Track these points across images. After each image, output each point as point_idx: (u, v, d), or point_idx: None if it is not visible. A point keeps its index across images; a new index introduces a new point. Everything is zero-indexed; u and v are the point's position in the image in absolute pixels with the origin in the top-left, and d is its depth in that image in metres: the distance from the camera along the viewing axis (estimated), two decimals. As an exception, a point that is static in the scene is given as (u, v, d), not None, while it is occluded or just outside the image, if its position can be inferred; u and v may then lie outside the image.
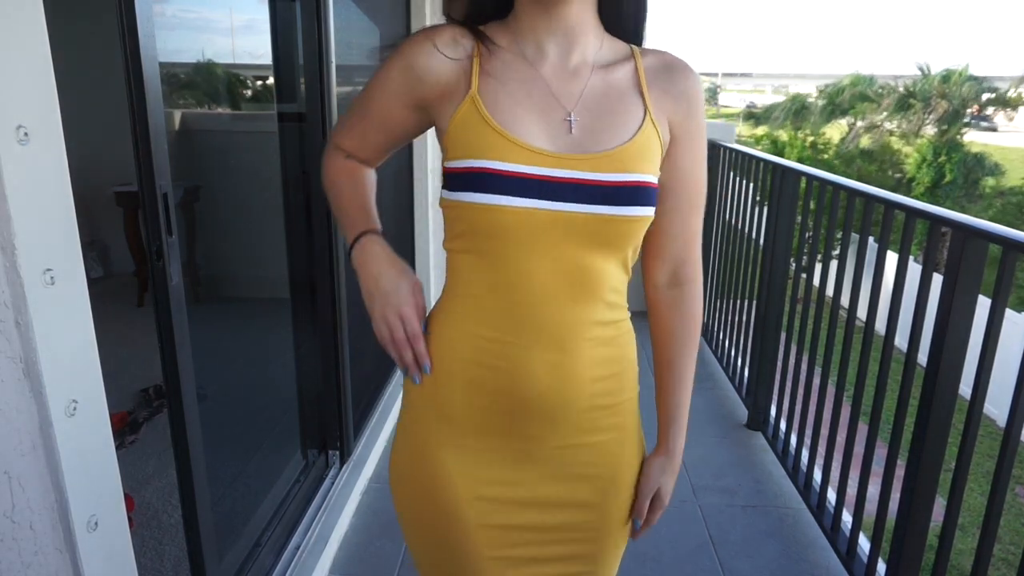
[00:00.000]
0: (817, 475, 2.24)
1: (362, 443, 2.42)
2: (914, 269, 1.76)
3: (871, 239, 1.86)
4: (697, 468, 2.50)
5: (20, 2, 0.80)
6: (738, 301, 3.14)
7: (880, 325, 1.76)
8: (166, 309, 1.24)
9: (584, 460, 0.90)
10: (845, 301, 2.02)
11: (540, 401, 0.84)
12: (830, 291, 2.20)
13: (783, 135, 18.62)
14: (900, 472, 1.67)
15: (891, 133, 17.01)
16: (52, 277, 0.85)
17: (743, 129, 21.68)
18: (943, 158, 15.65)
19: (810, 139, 17.78)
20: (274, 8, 1.85)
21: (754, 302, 2.85)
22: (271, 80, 1.95)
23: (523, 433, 0.87)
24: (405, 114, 0.89)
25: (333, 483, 2.18)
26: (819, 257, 2.78)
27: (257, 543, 1.75)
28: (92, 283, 0.93)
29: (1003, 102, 16.84)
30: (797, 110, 18.87)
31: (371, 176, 1.01)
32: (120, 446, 2.32)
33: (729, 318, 3.26)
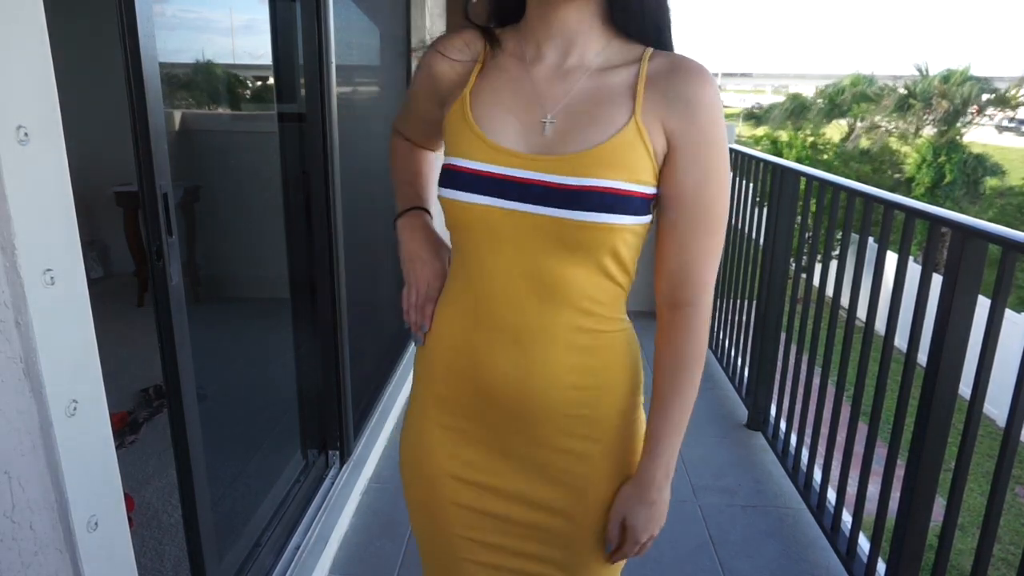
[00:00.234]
0: (817, 475, 2.24)
1: (362, 443, 2.42)
2: (914, 269, 1.76)
3: (871, 239, 1.86)
4: (697, 468, 2.50)
5: (20, 2, 0.80)
6: (738, 301, 3.14)
7: (880, 325, 1.76)
8: (166, 309, 1.24)
9: (560, 466, 0.90)
10: (845, 301, 2.02)
11: (503, 394, 0.87)
12: (830, 291, 2.20)
13: (783, 135, 18.61)
14: (900, 472, 1.67)
15: (890, 133, 17.00)
16: (52, 277, 0.85)
17: (743, 129, 21.67)
18: (943, 158, 15.65)
19: (810, 139, 17.77)
20: (274, 8, 1.85)
21: (754, 302, 2.85)
22: (271, 80, 1.95)
23: (494, 423, 0.90)
24: (435, 109, 0.95)
25: (333, 483, 2.18)
26: (819, 257, 2.78)
27: (257, 543, 1.75)
28: (92, 283, 0.93)
29: (1003, 102, 16.83)
30: (797, 110, 18.86)
31: (428, 157, 1.09)
32: (120, 446, 2.32)
33: (729, 318, 3.26)
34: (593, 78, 0.84)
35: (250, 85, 2.10)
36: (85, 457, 0.93)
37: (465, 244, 0.86)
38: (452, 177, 0.83)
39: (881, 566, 1.81)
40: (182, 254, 1.25)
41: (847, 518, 2.03)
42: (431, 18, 3.14)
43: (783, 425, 2.53)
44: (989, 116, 17.43)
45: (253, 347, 2.01)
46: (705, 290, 0.86)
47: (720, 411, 2.97)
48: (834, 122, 18.52)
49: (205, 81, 1.77)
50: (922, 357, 1.57)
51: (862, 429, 1.87)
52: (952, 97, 15.86)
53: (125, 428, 2.57)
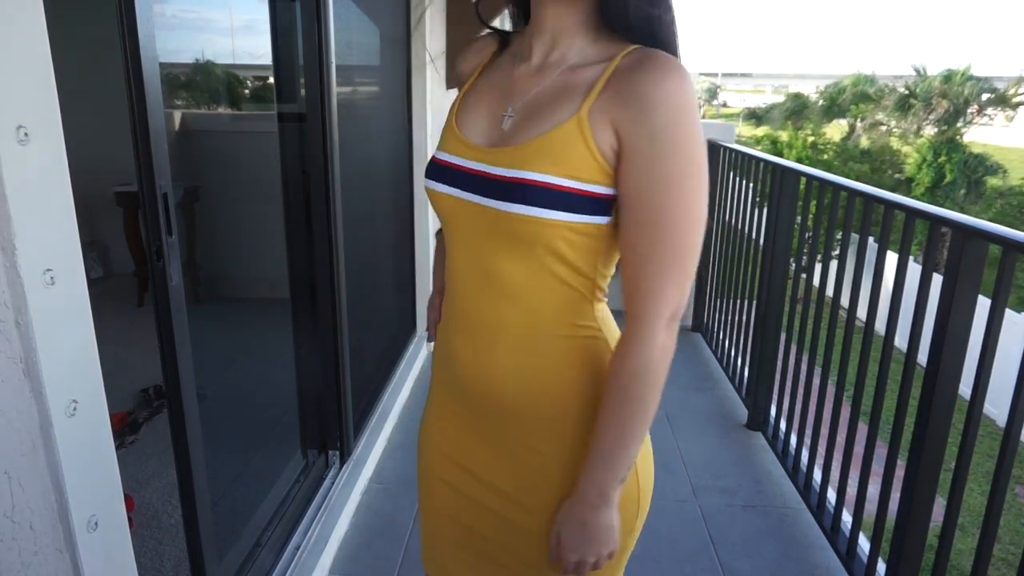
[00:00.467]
0: (817, 475, 2.24)
1: (362, 443, 2.42)
2: (914, 269, 1.76)
3: (871, 239, 1.86)
4: (697, 468, 2.50)
5: (20, 2, 0.80)
6: (738, 301, 3.14)
7: (880, 325, 1.76)
8: (166, 309, 1.24)
9: (526, 462, 0.90)
10: (845, 301, 2.02)
11: (469, 386, 0.91)
12: (830, 291, 2.20)
13: (783, 135, 18.61)
14: (900, 472, 1.67)
15: (891, 133, 17.00)
16: (52, 277, 0.85)
17: (743, 129, 21.67)
18: (943, 158, 15.64)
19: (810, 139, 17.77)
20: (274, 8, 1.85)
21: (754, 302, 2.85)
22: (271, 80, 1.95)
23: (472, 410, 0.93)
24: None
25: (333, 483, 2.18)
26: (819, 257, 2.78)
27: (257, 543, 1.76)
28: (92, 283, 0.93)
29: (1003, 102, 16.83)
30: (798, 110, 18.86)
31: None
32: (120, 446, 2.32)
33: (729, 318, 3.26)
34: (564, 75, 0.83)
35: (250, 85, 2.10)
36: (85, 457, 0.93)
37: (446, 235, 0.91)
38: (428, 167, 0.90)
39: (881, 566, 1.81)
40: (182, 254, 1.25)
41: (847, 518, 2.03)
42: (431, 18, 3.14)
43: (783, 425, 2.53)
44: (989, 116, 17.41)
45: (253, 347, 2.01)
46: (654, 304, 0.78)
47: (720, 411, 2.97)
48: (834, 122, 18.51)
49: (205, 81, 1.77)
50: (922, 357, 1.57)
51: (862, 429, 1.87)
52: (952, 97, 15.86)
53: (125, 428, 2.57)
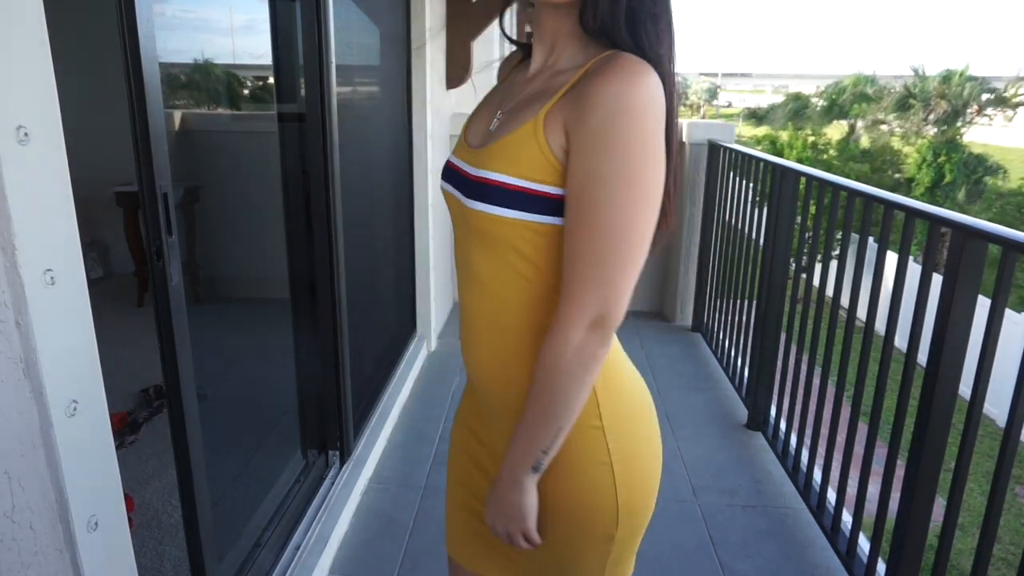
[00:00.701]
0: (817, 475, 2.24)
1: (362, 443, 2.42)
2: (914, 269, 1.76)
3: (871, 239, 1.86)
4: (697, 468, 2.50)
5: (20, 2, 0.80)
6: (738, 301, 3.14)
7: (880, 325, 1.76)
8: (166, 309, 1.24)
9: (504, 446, 0.92)
10: (845, 301, 2.02)
11: (470, 370, 0.97)
12: (830, 291, 2.20)
13: (783, 135, 18.62)
14: (900, 472, 1.67)
15: (893, 134, 17.00)
16: (52, 277, 0.85)
17: (743, 129, 21.68)
18: (943, 158, 15.64)
19: (811, 139, 17.77)
20: (274, 8, 1.85)
21: (754, 302, 2.85)
22: (271, 80, 1.95)
23: (471, 388, 1.01)
24: None
25: (333, 483, 2.18)
26: (819, 257, 2.78)
27: (257, 543, 1.76)
28: (92, 283, 0.93)
29: (1002, 102, 16.82)
30: (799, 110, 18.86)
31: None
32: (120, 446, 2.32)
33: (729, 318, 3.26)
34: (547, 79, 0.85)
35: (250, 85, 2.10)
36: (85, 457, 0.93)
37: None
38: (443, 168, 0.96)
39: (881, 566, 1.81)
40: (182, 254, 1.25)
41: (847, 518, 2.03)
42: (431, 19, 3.14)
43: (783, 425, 2.53)
44: (989, 116, 17.41)
45: (253, 347, 2.01)
46: (572, 304, 0.78)
47: (720, 411, 2.97)
48: (834, 122, 18.51)
49: (205, 81, 1.77)
50: (922, 357, 1.57)
51: (862, 429, 1.87)
52: (951, 97, 15.86)
53: (125, 428, 2.57)
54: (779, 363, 2.60)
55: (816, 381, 2.24)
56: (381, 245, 2.93)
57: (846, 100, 17.62)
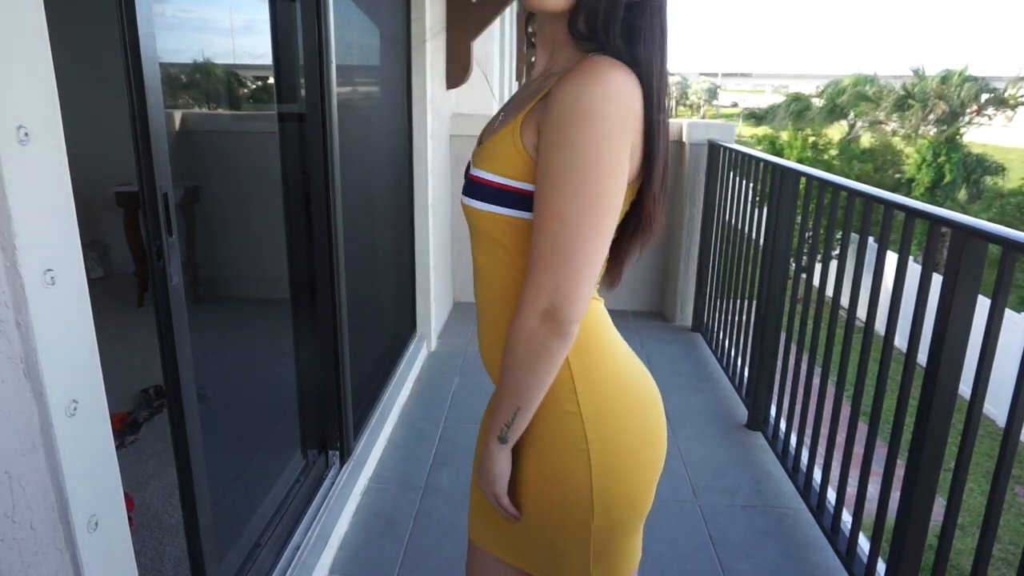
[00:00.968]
0: (817, 475, 2.24)
1: (362, 443, 2.42)
2: (914, 269, 1.76)
3: (871, 239, 1.86)
4: (697, 468, 2.50)
5: (20, 2, 0.80)
6: (738, 301, 3.14)
7: (880, 325, 1.76)
8: (166, 309, 1.24)
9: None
10: (845, 301, 2.02)
11: (480, 354, 1.01)
12: (830, 291, 2.20)
13: (784, 135, 18.62)
14: (900, 472, 1.67)
15: (894, 134, 16.99)
16: (52, 277, 0.85)
17: (743, 129, 21.68)
18: (943, 158, 15.64)
19: (811, 139, 17.77)
20: (274, 8, 1.85)
21: (754, 302, 2.85)
22: (271, 80, 1.95)
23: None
24: None
25: (333, 483, 2.18)
26: (819, 257, 2.78)
27: (257, 543, 1.76)
28: (92, 283, 0.93)
29: (1002, 103, 16.82)
30: (800, 111, 18.85)
31: None
32: (120, 446, 2.32)
33: (729, 318, 3.26)
34: (541, 82, 0.89)
35: (250, 85, 2.10)
36: (85, 457, 0.93)
37: None
38: None
39: (881, 566, 1.81)
40: (182, 254, 1.25)
41: (847, 518, 2.03)
42: (431, 19, 3.14)
43: (783, 425, 2.53)
44: (988, 116, 17.40)
45: (253, 347, 2.01)
46: (527, 291, 0.82)
47: (720, 411, 2.97)
48: (835, 123, 18.52)
49: (205, 81, 1.77)
50: (922, 357, 1.57)
51: (862, 429, 1.87)
52: (950, 98, 15.86)
53: (125, 428, 2.57)
54: (779, 363, 2.60)
55: (816, 381, 2.24)
56: (381, 245, 2.93)
57: (846, 100, 17.62)
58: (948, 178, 15.54)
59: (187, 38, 1.60)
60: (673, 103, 52.26)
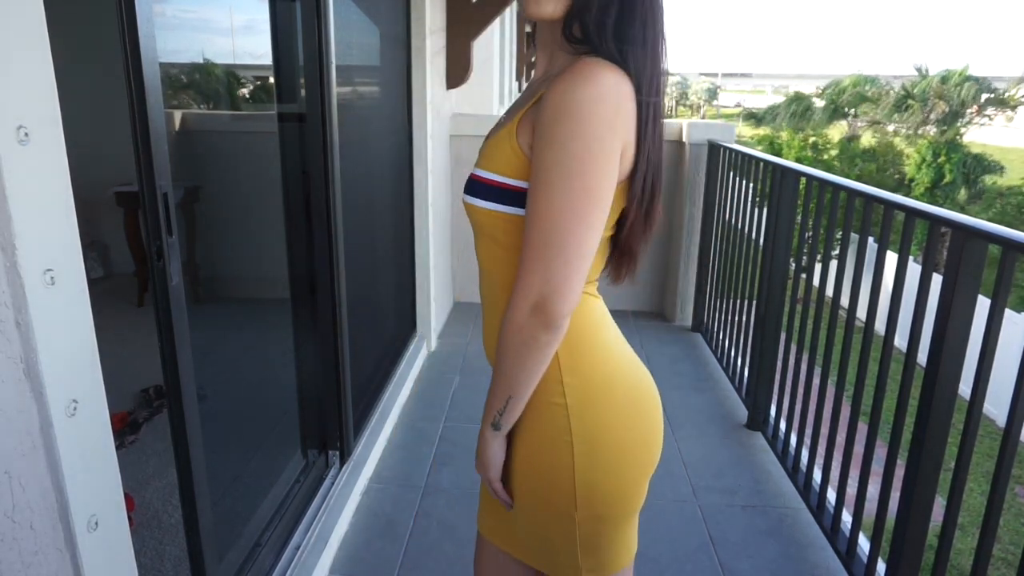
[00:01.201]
0: (817, 475, 2.24)
1: (362, 443, 2.42)
2: (914, 269, 1.76)
3: (871, 239, 1.86)
4: (697, 468, 2.50)
5: (20, 2, 0.80)
6: (738, 301, 3.14)
7: (880, 325, 1.76)
8: (166, 309, 1.24)
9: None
10: (845, 301, 2.02)
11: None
12: (830, 291, 2.20)
13: (783, 135, 18.61)
14: (900, 472, 1.67)
15: (896, 134, 16.98)
16: (52, 277, 0.85)
17: (743, 129, 21.68)
18: (943, 158, 15.64)
19: (811, 139, 17.76)
20: (274, 8, 1.85)
21: (754, 302, 2.85)
22: (271, 80, 1.95)
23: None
24: None
25: (333, 483, 2.18)
26: (819, 257, 2.78)
27: (257, 543, 1.76)
28: (92, 283, 0.93)
29: (1002, 103, 16.81)
30: (802, 112, 18.85)
31: None
32: (120, 446, 2.32)
33: (729, 318, 3.26)
34: (539, 84, 0.92)
35: (250, 85, 2.10)
36: (85, 457, 0.93)
37: None
38: None
39: (881, 566, 1.81)
40: (182, 254, 1.25)
41: (847, 518, 2.03)
42: (431, 19, 3.14)
43: (783, 425, 2.53)
44: (989, 116, 17.39)
45: (253, 347, 2.01)
46: (517, 285, 0.84)
47: (720, 411, 2.97)
48: (836, 123, 18.51)
49: (205, 81, 1.77)
50: (922, 357, 1.57)
51: (862, 429, 1.87)
52: (950, 98, 15.85)
53: (125, 428, 2.57)
54: (779, 363, 2.60)
55: (816, 381, 2.24)
56: (381, 245, 2.93)
57: (846, 101, 17.61)
58: (948, 178, 15.53)
59: (187, 38, 1.60)
60: (673, 103, 52.23)
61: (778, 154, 15.51)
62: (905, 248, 1.70)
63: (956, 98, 15.81)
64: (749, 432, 2.78)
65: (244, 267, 2.09)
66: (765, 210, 2.75)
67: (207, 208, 1.82)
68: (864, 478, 1.88)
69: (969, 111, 16.23)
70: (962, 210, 12.30)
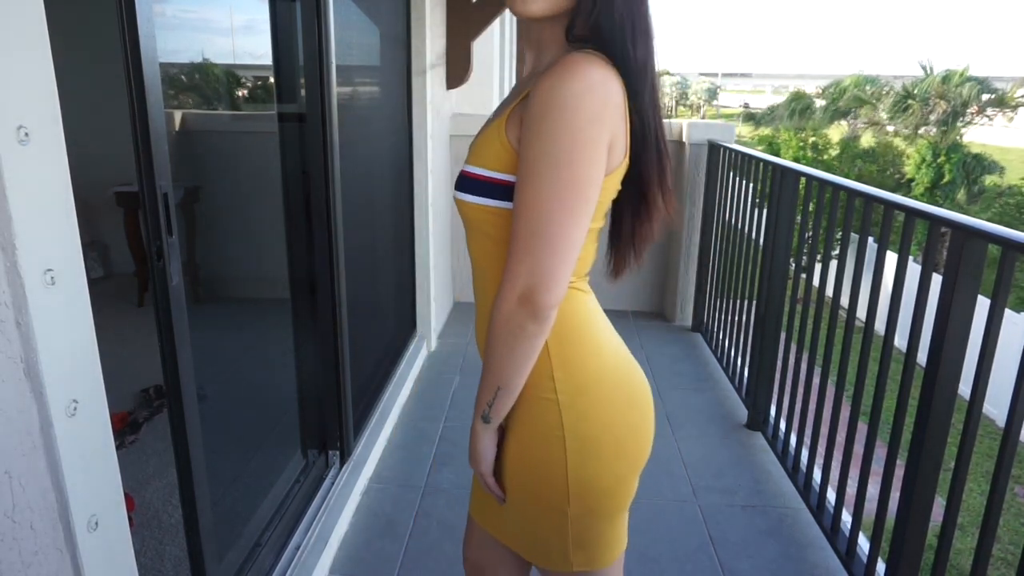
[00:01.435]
0: (817, 475, 2.24)
1: (362, 443, 2.43)
2: (914, 269, 1.76)
3: (871, 239, 1.86)
4: (697, 468, 2.50)
5: (20, 2, 0.80)
6: (738, 301, 3.14)
7: (880, 325, 1.76)
8: (166, 309, 1.24)
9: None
10: (845, 301, 2.02)
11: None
12: (830, 291, 2.20)
13: (783, 135, 18.61)
14: (900, 472, 1.68)
15: (896, 134, 16.97)
16: (52, 277, 0.85)
17: (743, 129, 21.67)
18: (942, 158, 15.64)
19: (811, 140, 17.76)
20: (274, 8, 1.85)
21: (754, 302, 2.85)
22: (271, 80, 1.95)
23: None
24: None
25: (333, 483, 2.18)
26: (819, 257, 2.78)
27: (257, 543, 1.76)
28: (92, 283, 0.93)
29: (1002, 103, 16.80)
30: (801, 111, 18.83)
31: None
32: (120, 446, 2.32)
33: (729, 318, 3.26)
34: (527, 81, 0.93)
35: (250, 85, 2.10)
36: (85, 457, 0.93)
37: None
38: None
39: (881, 566, 1.81)
40: (182, 254, 1.25)
41: (847, 518, 2.03)
42: (431, 19, 3.14)
43: (783, 425, 2.53)
44: (989, 116, 17.38)
45: (253, 347, 2.01)
46: (506, 276, 0.85)
47: (720, 411, 2.97)
48: (836, 123, 18.50)
49: (205, 81, 1.77)
50: (922, 357, 1.57)
51: (862, 429, 1.87)
52: (950, 98, 15.85)
53: (125, 428, 2.57)
54: (779, 363, 2.60)
55: (816, 381, 2.24)
56: (381, 245, 2.93)
57: (846, 101, 17.61)
58: (948, 178, 15.53)
59: (187, 38, 1.60)
60: (673, 103, 52.19)
61: (776, 153, 15.52)
62: (905, 248, 1.70)
63: (957, 98, 15.80)
64: (749, 432, 2.78)
65: (244, 267, 2.09)
66: (765, 210, 2.75)
67: (207, 208, 1.82)
68: (864, 478, 1.88)
69: (970, 111, 16.23)
70: (962, 210, 12.29)
